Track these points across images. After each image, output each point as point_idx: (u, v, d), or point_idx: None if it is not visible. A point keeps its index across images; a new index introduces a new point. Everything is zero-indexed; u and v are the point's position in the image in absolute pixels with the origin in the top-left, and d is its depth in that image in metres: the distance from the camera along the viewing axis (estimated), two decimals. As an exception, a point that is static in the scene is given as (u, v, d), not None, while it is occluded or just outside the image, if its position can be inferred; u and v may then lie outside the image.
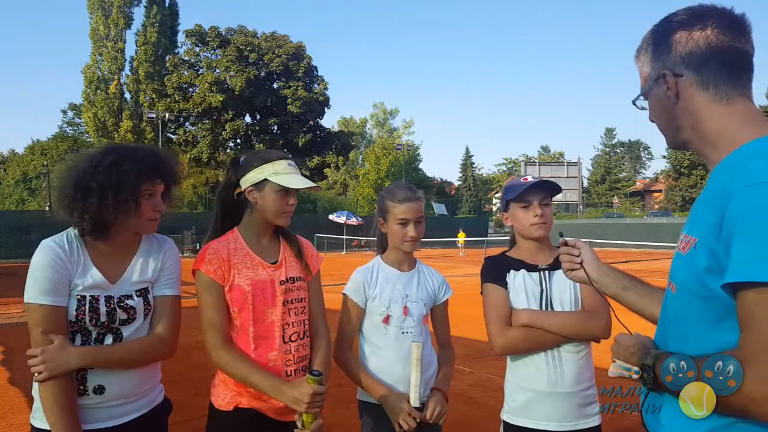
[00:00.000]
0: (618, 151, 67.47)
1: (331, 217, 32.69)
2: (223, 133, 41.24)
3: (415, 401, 1.99)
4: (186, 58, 41.84)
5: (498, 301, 2.00)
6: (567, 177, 42.19)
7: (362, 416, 2.16)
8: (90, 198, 1.64)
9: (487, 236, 32.57)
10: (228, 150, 41.74)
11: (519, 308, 1.99)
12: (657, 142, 73.33)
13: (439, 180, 63.06)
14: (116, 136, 38.23)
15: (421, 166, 52.67)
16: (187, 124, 42.42)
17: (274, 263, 1.96)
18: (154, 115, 36.80)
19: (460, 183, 64.47)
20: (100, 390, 1.67)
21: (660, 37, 1.17)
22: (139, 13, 40.92)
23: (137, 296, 1.75)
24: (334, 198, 42.99)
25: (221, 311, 1.87)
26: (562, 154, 68.05)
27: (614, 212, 49.54)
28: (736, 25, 1.11)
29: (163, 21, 41.22)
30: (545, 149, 74.38)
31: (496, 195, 67.01)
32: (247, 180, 1.93)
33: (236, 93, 39.83)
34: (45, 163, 36.47)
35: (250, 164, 1.94)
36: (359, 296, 2.14)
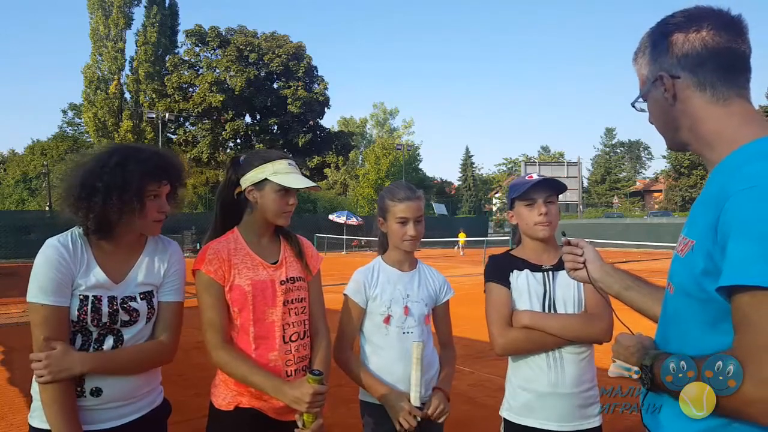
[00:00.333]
0: (618, 151, 67.47)
1: (331, 217, 32.68)
2: (223, 133, 41.22)
3: (415, 400, 1.99)
4: (186, 58, 41.82)
5: (500, 300, 2.00)
6: (567, 177, 42.09)
7: (364, 416, 2.16)
8: (95, 197, 1.63)
9: (487, 236, 32.54)
10: (228, 150, 41.73)
11: (521, 309, 1.99)
12: (657, 142, 73.40)
13: (439, 180, 62.99)
14: (116, 136, 38.21)
15: (421, 166, 52.65)
16: (187, 124, 42.41)
17: (275, 263, 1.96)
18: (154, 115, 36.77)
19: (460, 183, 64.40)
20: (97, 392, 1.67)
21: (657, 39, 1.18)
22: (139, 13, 40.99)
23: (141, 299, 1.75)
24: (334, 198, 42.97)
25: (221, 311, 1.87)
26: (562, 154, 68.12)
27: (614, 212, 49.52)
28: (732, 26, 1.11)
29: (163, 21, 41.20)
30: (545, 149, 74.46)
31: (496, 195, 67.05)
32: (247, 179, 1.93)
33: (236, 93, 39.83)
34: (45, 163, 36.47)
35: (250, 164, 1.94)
36: (360, 296, 2.14)
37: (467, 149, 67.49)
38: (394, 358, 2.09)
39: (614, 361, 1.25)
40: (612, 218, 40.27)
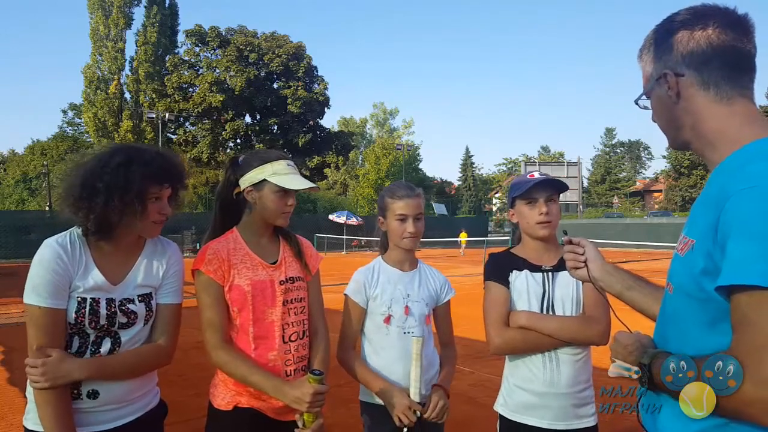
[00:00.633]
0: (618, 151, 67.44)
1: (331, 217, 32.69)
2: (223, 133, 41.21)
3: (415, 396, 1.98)
4: (186, 58, 41.80)
5: (499, 300, 2.00)
6: (567, 177, 42.05)
7: (363, 416, 2.16)
8: (96, 198, 1.62)
9: (487, 236, 32.54)
10: (228, 150, 41.70)
11: (519, 309, 1.99)
12: (657, 142, 73.51)
13: (439, 180, 63.01)
14: (116, 136, 38.18)
15: (421, 166, 52.67)
16: (187, 124, 42.39)
17: (274, 263, 1.96)
18: (154, 115, 36.75)
19: (460, 183, 64.40)
20: (93, 395, 1.66)
21: (662, 37, 1.17)
22: (139, 13, 40.97)
23: (139, 301, 1.74)
24: (334, 198, 42.99)
25: (221, 311, 1.87)
26: (562, 154, 68.11)
27: (614, 212, 49.51)
28: (738, 25, 1.10)
29: (163, 21, 41.19)
30: (545, 149, 74.44)
31: (496, 195, 67.03)
32: (246, 180, 1.93)
33: (236, 93, 39.81)
34: (45, 163, 36.44)
35: (250, 164, 1.94)
36: (360, 296, 2.14)
37: (467, 149, 67.62)
38: (394, 357, 2.09)
39: (614, 361, 1.25)
40: (612, 218, 40.27)
